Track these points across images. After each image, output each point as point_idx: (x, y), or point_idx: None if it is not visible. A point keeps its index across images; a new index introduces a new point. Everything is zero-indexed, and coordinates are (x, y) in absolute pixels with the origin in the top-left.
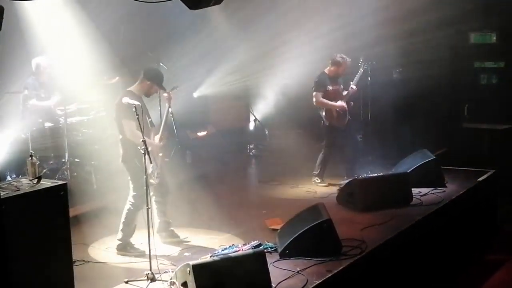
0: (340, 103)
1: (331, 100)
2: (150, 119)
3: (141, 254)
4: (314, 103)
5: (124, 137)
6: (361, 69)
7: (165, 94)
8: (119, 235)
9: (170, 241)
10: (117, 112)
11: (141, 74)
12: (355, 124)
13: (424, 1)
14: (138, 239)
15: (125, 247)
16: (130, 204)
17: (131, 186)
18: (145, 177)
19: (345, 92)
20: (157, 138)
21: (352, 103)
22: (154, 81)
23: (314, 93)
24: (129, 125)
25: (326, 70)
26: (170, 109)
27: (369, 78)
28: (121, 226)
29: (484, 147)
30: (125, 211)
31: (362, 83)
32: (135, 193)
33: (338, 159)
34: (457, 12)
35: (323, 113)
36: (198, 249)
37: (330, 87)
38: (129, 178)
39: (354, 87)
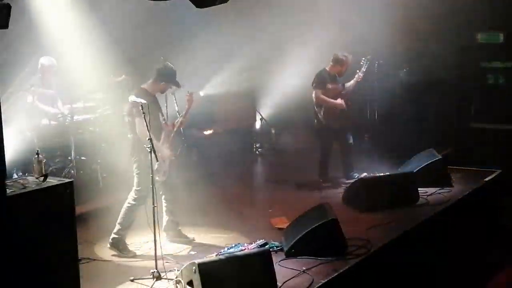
0: (340, 101)
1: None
2: (163, 117)
3: (131, 255)
4: (314, 100)
5: (133, 132)
6: (363, 68)
7: (186, 96)
8: (116, 228)
9: (176, 240)
10: (130, 112)
11: (154, 73)
12: (349, 128)
13: (431, 1)
14: (144, 237)
15: (117, 244)
16: (132, 199)
17: (135, 181)
18: (151, 175)
19: (350, 83)
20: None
21: (350, 103)
22: (168, 81)
23: (314, 90)
24: (141, 123)
25: (327, 68)
26: (179, 110)
27: (375, 77)
28: (119, 220)
29: (490, 147)
30: (126, 204)
31: (368, 82)
32: (138, 189)
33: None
34: (464, 12)
35: (321, 112)
36: (204, 248)
37: (329, 85)
38: (135, 172)
39: (360, 75)
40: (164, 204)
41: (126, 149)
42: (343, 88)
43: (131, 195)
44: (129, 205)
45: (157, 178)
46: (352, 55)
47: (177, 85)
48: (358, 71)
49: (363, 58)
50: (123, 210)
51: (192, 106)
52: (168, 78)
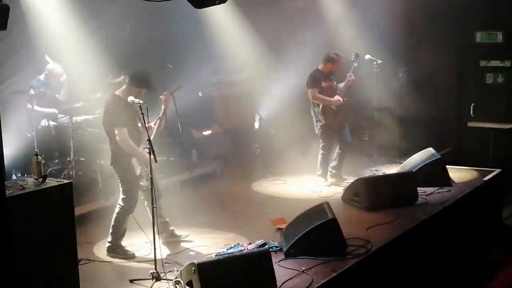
0: (337, 97)
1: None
2: (141, 121)
3: (131, 257)
4: (311, 99)
5: (113, 141)
6: (354, 64)
7: (162, 97)
8: (109, 238)
9: (171, 240)
10: (107, 118)
11: (127, 79)
12: (346, 126)
13: (430, 0)
14: (143, 238)
15: (114, 250)
16: (120, 208)
17: (120, 189)
18: (150, 176)
19: (341, 85)
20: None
21: (346, 99)
22: (142, 85)
23: (309, 90)
24: (121, 132)
25: (319, 67)
26: (166, 111)
27: (375, 76)
28: (111, 230)
29: (489, 146)
30: (114, 214)
31: (367, 82)
32: (124, 196)
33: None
34: (463, 11)
35: (319, 111)
36: (203, 248)
37: (324, 84)
38: (118, 181)
39: (352, 75)
40: (149, 211)
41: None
42: (337, 87)
43: (119, 203)
44: (117, 215)
45: (141, 183)
46: (345, 55)
47: (152, 89)
48: (348, 74)
49: (353, 54)
50: (113, 219)
51: (168, 106)
52: (141, 82)
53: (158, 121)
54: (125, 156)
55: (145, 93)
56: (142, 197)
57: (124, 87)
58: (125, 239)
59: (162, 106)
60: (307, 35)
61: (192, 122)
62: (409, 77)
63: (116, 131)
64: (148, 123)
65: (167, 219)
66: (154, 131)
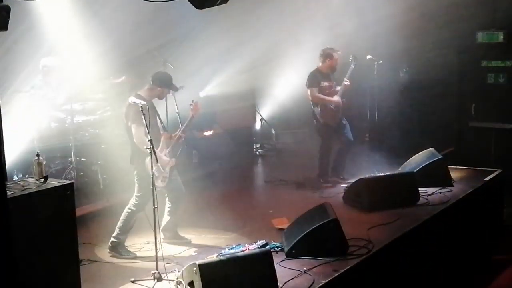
0: (336, 98)
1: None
2: (162, 124)
3: (132, 257)
4: (310, 99)
5: (132, 140)
6: (352, 65)
7: (191, 105)
8: (115, 233)
9: (173, 241)
10: (127, 115)
11: (150, 80)
12: (347, 125)
13: (431, 0)
14: (144, 238)
15: (116, 248)
16: (132, 204)
17: (136, 187)
18: (151, 176)
19: (338, 88)
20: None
21: (344, 100)
22: (164, 86)
23: (308, 89)
24: (137, 130)
25: (318, 67)
26: (179, 111)
27: (375, 77)
28: (118, 224)
29: (491, 146)
30: (125, 210)
31: (368, 82)
32: (138, 194)
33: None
34: (464, 11)
35: (318, 111)
36: (204, 249)
37: (324, 83)
38: (135, 178)
39: (347, 81)
40: (168, 205)
41: (127, 157)
42: (336, 87)
43: (132, 201)
44: (129, 210)
45: (156, 184)
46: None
47: (174, 89)
48: (344, 79)
49: (351, 56)
50: (123, 215)
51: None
52: (164, 83)
53: (180, 133)
54: (141, 155)
55: (167, 93)
56: (165, 194)
57: (146, 87)
58: (127, 240)
59: (191, 113)
60: (307, 35)
61: (193, 123)
62: (410, 77)
63: (133, 129)
64: (149, 123)
65: (178, 221)
66: (174, 141)
